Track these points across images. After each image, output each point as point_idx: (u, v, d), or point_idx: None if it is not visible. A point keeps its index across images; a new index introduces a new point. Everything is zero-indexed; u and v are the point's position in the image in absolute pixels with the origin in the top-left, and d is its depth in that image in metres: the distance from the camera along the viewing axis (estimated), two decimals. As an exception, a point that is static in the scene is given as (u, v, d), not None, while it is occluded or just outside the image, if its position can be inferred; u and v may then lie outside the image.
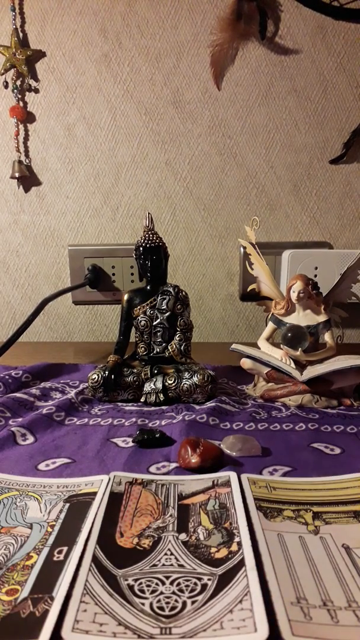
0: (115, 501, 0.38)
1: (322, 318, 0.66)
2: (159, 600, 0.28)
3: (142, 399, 0.64)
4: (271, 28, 0.89)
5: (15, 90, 0.92)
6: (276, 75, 0.91)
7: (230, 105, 0.93)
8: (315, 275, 0.89)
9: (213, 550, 0.33)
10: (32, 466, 0.46)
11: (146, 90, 0.93)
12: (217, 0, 0.88)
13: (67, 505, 0.38)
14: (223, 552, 0.32)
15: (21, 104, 0.93)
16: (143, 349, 0.67)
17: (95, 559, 0.31)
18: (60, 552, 0.32)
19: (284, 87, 0.92)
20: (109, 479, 0.42)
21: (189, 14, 0.89)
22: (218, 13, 0.89)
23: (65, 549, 0.33)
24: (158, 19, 0.90)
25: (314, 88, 0.92)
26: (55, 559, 0.32)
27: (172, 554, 0.32)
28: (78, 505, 0.38)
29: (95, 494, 0.39)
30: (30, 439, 0.52)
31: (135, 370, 0.65)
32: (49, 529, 0.35)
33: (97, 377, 0.63)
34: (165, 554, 0.32)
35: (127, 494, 0.40)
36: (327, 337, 0.66)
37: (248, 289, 0.72)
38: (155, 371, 0.65)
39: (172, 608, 0.28)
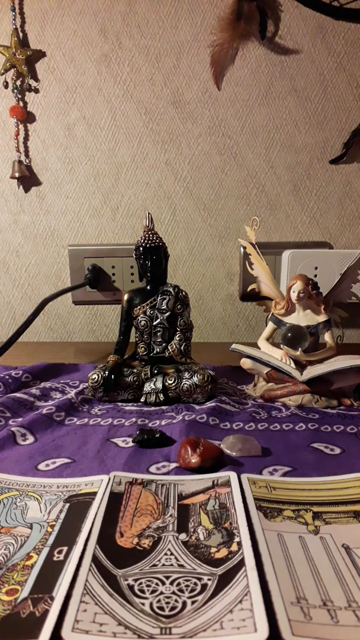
0: (115, 501, 0.38)
1: (322, 318, 0.66)
2: (159, 600, 0.28)
3: (142, 399, 0.64)
4: (271, 28, 0.89)
5: (15, 90, 0.92)
6: (276, 75, 0.91)
7: (230, 105, 0.93)
8: (315, 275, 0.89)
9: (213, 550, 0.33)
10: (32, 466, 0.46)
11: (146, 90, 0.93)
12: (217, 0, 0.88)
13: (67, 505, 0.38)
14: (223, 552, 0.32)
15: (21, 103, 0.93)
16: (143, 349, 0.67)
17: (95, 559, 0.31)
18: (60, 552, 0.32)
19: (284, 87, 0.92)
20: (109, 479, 0.42)
21: (189, 14, 0.89)
22: (218, 13, 0.89)
23: (65, 548, 0.33)
24: (158, 19, 0.90)
25: (314, 88, 0.92)
26: (55, 558, 0.32)
27: (172, 554, 0.32)
28: (78, 505, 0.38)
29: (95, 494, 0.39)
30: (30, 439, 0.52)
31: (135, 370, 0.65)
32: (49, 529, 0.35)
33: (97, 377, 0.63)
34: (165, 554, 0.32)
35: (127, 494, 0.40)
36: (327, 337, 0.66)
37: (248, 289, 0.72)
38: (155, 371, 0.65)
39: (172, 608, 0.28)
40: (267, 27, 0.88)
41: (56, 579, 0.29)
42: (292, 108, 0.93)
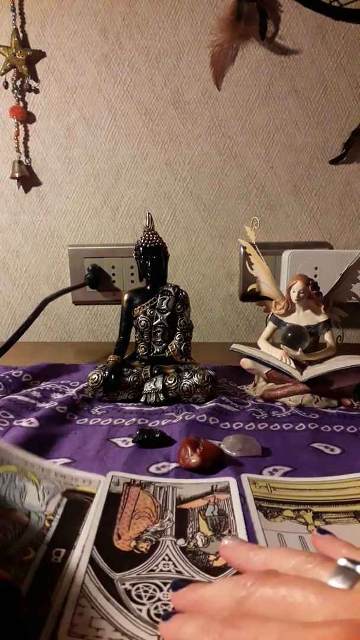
0: (113, 502, 0.38)
1: (322, 318, 0.66)
2: (156, 607, 0.28)
3: (142, 399, 0.64)
4: (271, 28, 0.89)
5: (16, 91, 0.92)
6: (276, 75, 0.92)
7: (230, 106, 0.93)
8: (315, 275, 0.89)
9: (212, 558, 0.32)
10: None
11: (146, 90, 0.93)
12: (217, 0, 0.88)
13: (65, 500, 0.38)
14: (222, 561, 0.31)
15: (21, 104, 0.93)
16: (143, 349, 0.67)
17: (92, 561, 0.31)
18: (58, 553, 0.32)
19: (284, 87, 0.92)
20: (107, 479, 0.41)
21: (189, 14, 0.89)
22: (218, 13, 0.89)
23: (63, 551, 0.32)
24: (158, 19, 0.90)
25: (314, 88, 0.92)
26: (53, 560, 0.31)
27: (170, 559, 0.32)
28: (76, 503, 0.38)
29: (93, 495, 0.39)
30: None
31: (135, 370, 0.65)
32: (47, 524, 0.35)
33: (97, 377, 0.63)
34: (163, 559, 0.32)
35: (125, 495, 0.39)
36: (327, 337, 0.66)
37: (248, 289, 0.72)
38: (155, 371, 0.65)
39: None
40: (267, 27, 0.88)
41: (54, 583, 0.29)
42: (292, 108, 0.93)
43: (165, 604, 0.28)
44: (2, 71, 0.90)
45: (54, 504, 0.37)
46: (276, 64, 0.91)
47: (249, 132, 0.94)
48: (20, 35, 0.90)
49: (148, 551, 0.33)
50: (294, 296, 0.65)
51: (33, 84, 0.92)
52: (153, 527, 0.35)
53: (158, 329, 0.66)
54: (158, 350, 0.67)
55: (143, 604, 0.28)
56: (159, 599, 0.28)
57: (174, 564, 0.31)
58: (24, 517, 0.35)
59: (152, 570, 0.31)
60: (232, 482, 0.41)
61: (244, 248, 0.71)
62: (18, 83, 0.92)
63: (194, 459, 0.44)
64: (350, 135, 0.92)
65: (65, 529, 0.35)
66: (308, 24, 0.89)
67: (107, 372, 0.63)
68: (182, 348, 0.66)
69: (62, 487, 0.39)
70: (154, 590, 0.29)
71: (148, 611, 0.27)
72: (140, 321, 0.66)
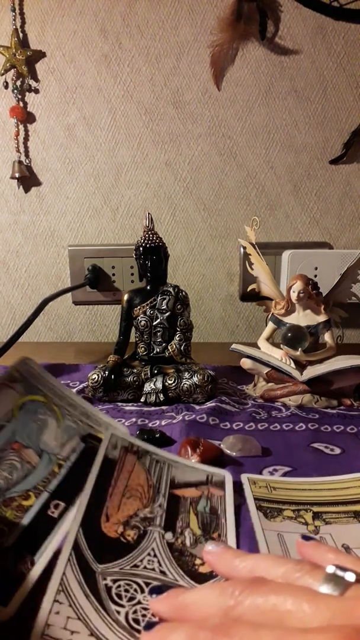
0: (107, 470, 0.35)
1: (322, 318, 0.66)
2: (135, 612, 0.26)
3: (142, 399, 0.64)
4: (271, 28, 0.89)
5: (16, 91, 0.92)
6: (276, 75, 0.92)
7: (230, 106, 0.93)
8: (315, 275, 0.89)
9: (198, 562, 0.31)
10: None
11: (146, 90, 0.93)
12: (217, 0, 0.88)
13: (82, 446, 0.35)
14: (208, 567, 0.30)
15: (21, 104, 0.93)
16: (143, 349, 0.67)
17: (76, 547, 0.29)
18: (57, 506, 0.31)
19: (284, 88, 0.92)
20: (106, 438, 0.38)
21: (189, 14, 0.89)
22: (218, 13, 0.89)
23: (62, 505, 0.31)
24: (158, 20, 0.90)
25: (314, 88, 0.92)
26: (50, 512, 0.30)
27: (155, 555, 0.31)
28: (92, 453, 0.35)
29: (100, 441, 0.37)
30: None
31: (135, 370, 0.65)
32: (56, 469, 0.33)
33: (97, 377, 0.63)
34: (149, 554, 0.31)
35: (121, 463, 0.36)
36: (327, 337, 0.66)
37: (248, 289, 0.72)
38: (155, 371, 0.65)
39: None
40: (267, 27, 0.88)
41: (43, 540, 0.28)
42: (292, 108, 0.93)
43: (145, 608, 0.27)
44: (2, 71, 0.90)
45: (70, 448, 0.35)
46: (276, 64, 0.91)
47: (249, 132, 0.94)
48: (20, 35, 0.90)
49: (135, 541, 0.31)
50: (294, 296, 0.65)
51: (33, 84, 0.92)
52: (143, 512, 0.34)
53: (158, 329, 0.66)
54: (158, 350, 0.67)
55: (122, 606, 0.27)
56: (139, 602, 0.27)
57: (159, 562, 0.30)
58: (35, 457, 0.32)
59: (136, 565, 0.30)
60: (227, 477, 0.40)
61: (244, 248, 0.71)
62: (18, 83, 0.92)
63: (194, 459, 0.44)
64: (350, 135, 0.92)
65: (72, 479, 0.33)
66: (308, 24, 0.89)
67: (107, 372, 0.63)
68: (182, 348, 0.66)
69: (82, 430, 0.36)
70: (135, 590, 0.28)
71: (126, 615, 0.26)
72: (140, 321, 0.66)
